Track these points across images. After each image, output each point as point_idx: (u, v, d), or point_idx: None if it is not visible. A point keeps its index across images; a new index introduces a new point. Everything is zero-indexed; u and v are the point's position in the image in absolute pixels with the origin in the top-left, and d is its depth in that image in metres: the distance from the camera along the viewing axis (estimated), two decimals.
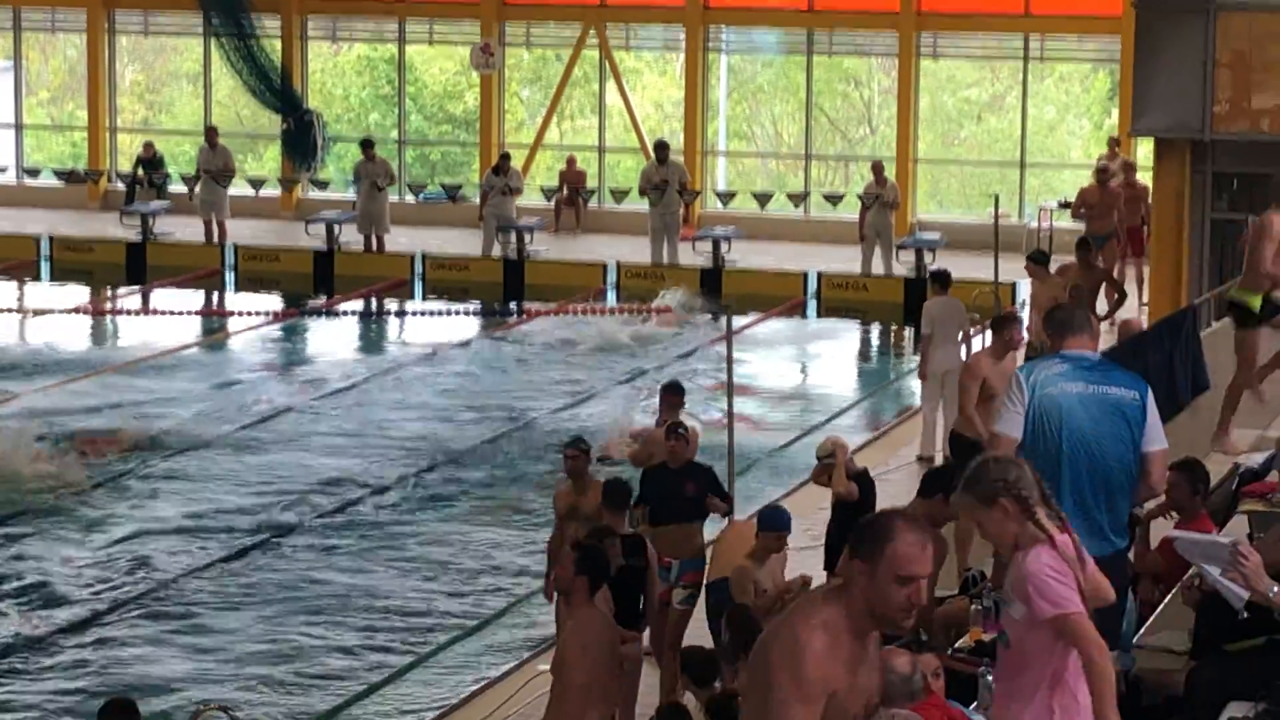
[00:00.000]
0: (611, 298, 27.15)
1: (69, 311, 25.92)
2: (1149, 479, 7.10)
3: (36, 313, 25.45)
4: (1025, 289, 22.69)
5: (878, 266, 27.47)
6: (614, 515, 11.92)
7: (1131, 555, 8.98)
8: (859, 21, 31.88)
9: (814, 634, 5.05)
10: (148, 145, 33.27)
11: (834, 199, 31.10)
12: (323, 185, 33.05)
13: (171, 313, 25.11)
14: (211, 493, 17.96)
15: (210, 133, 30.97)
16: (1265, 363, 11.91)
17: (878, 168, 28.24)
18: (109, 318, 26.96)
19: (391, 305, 27.98)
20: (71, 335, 25.05)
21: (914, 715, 6.82)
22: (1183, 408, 13.98)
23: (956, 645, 9.43)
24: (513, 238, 28.67)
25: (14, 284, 28.54)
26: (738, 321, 20.64)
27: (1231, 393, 11.75)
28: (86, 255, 29.53)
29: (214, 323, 26.22)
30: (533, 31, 33.77)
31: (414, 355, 24.08)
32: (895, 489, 16.72)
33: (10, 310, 25.90)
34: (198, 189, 30.29)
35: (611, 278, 27.87)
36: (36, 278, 29.13)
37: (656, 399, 15.70)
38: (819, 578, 12.17)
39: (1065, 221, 28.91)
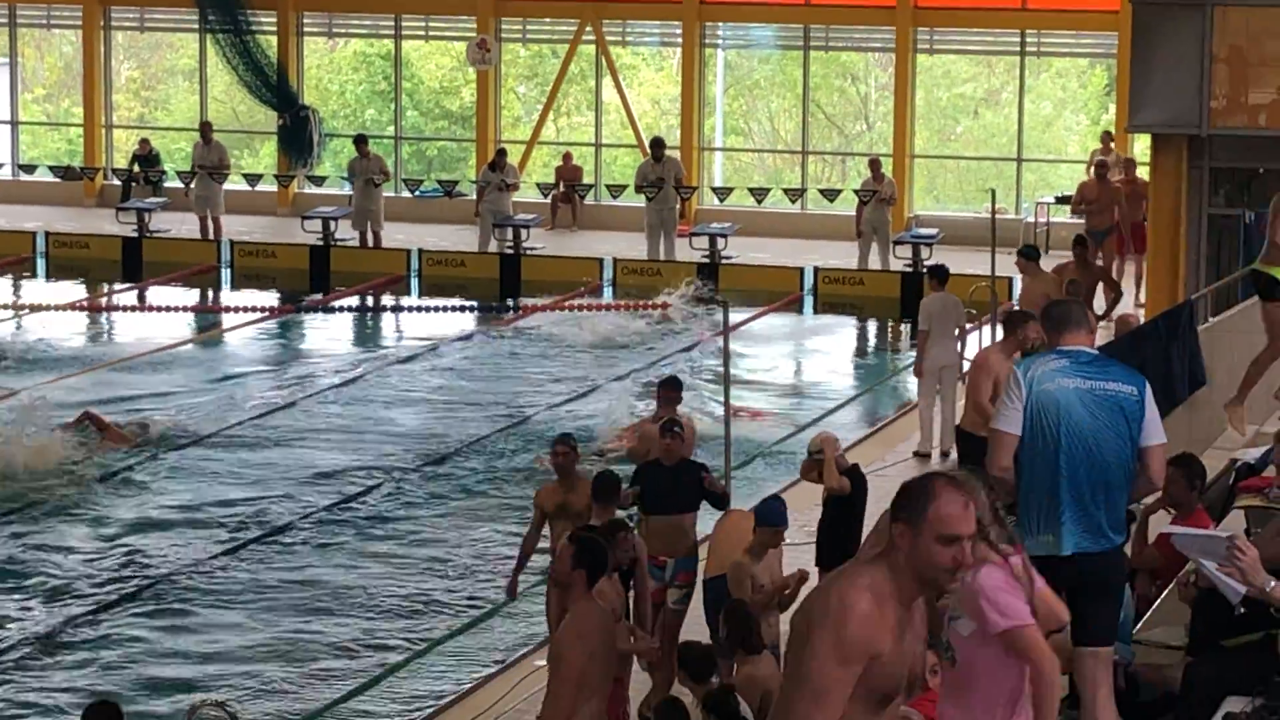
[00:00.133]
0: (608, 293, 27.14)
1: (65, 308, 25.89)
2: (1149, 473, 7.09)
3: (33, 309, 25.41)
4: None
5: (874, 262, 27.47)
6: (603, 508, 11.90)
7: (1129, 550, 8.97)
8: (855, 17, 31.87)
9: (860, 596, 5.01)
10: (143, 142, 33.26)
11: (831, 194, 31.10)
12: (319, 181, 33.04)
13: (167, 309, 25.09)
14: (209, 488, 17.95)
15: (205, 128, 30.96)
16: None
17: (875, 164, 28.24)
18: (105, 314, 26.94)
19: (388, 301, 27.97)
20: (68, 331, 25.02)
21: (913, 711, 6.82)
22: (1179, 403, 13.98)
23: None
24: (509, 233, 28.66)
25: (10, 280, 28.52)
26: (735, 317, 20.64)
27: (1258, 364, 11.65)
28: (82, 251, 29.52)
29: (210, 319, 26.20)
30: (529, 27, 33.76)
31: (410, 351, 24.07)
32: (892, 485, 16.71)
33: (6, 307, 25.87)
34: (193, 185, 30.28)
35: (608, 274, 27.86)
36: (33, 274, 29.11)
37: (654, 394, 15.67)
38: (813, 573, 12.16)
39: (1061, 217, 28.93)
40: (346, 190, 30.26)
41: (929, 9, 31.03)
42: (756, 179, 33.61)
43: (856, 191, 28.32)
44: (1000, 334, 15.27)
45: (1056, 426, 6.93)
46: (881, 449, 18.41)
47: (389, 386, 22.11)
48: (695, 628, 12.29)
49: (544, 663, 11.40)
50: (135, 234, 29.52)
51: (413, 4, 33.41)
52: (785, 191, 31.72)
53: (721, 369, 16.50)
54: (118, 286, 28.47)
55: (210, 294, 28.19)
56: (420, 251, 28.76)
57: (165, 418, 20.01)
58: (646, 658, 11.46)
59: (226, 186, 30.55)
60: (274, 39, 33.16)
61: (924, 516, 5.03)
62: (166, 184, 32.40)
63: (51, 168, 34.35)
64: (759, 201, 31.13)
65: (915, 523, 5.04)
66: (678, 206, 28.92)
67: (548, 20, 33.41)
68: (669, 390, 14.49)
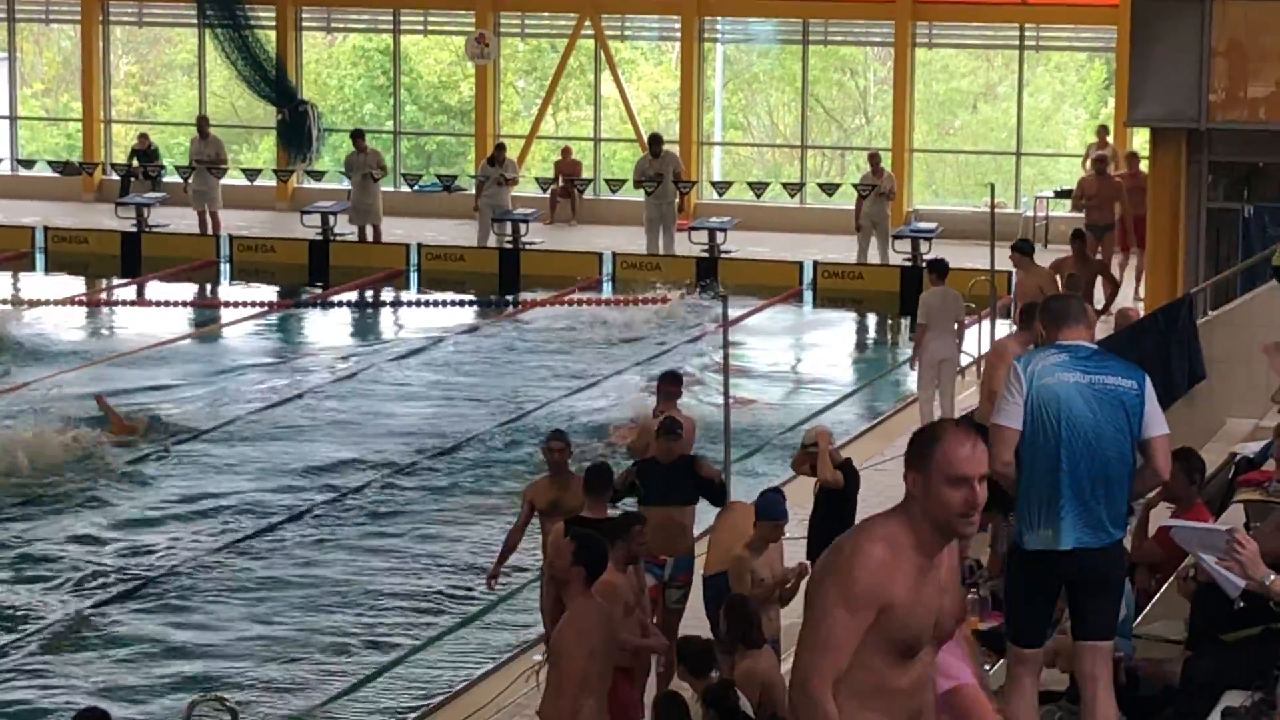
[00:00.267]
0: (608, 288, 27.15)
1: (64, 303, 25.88)
2: (1154, 464, 7.08)
3: (32, 304, 25.40)
4: None
5: (874, 256, 27.47)
6: (596, 500, 11.86)
7: (1128, 544, 8.98)
8: (854, 11, 31.87)
9: (873, 545, 5.03)
10: (142, 137, 33.25)
11: (830, 189, 31.10)
12: (318, 176, 33.03)
13: (166, 304, 25.09)
14: (208, 483, 17.95)
15: (201, 123, 30.95)
16: None
17: (874, 158, 28.24)
18: (104, 309, 26.93)
19: (387, 296, 27.96)
20: (67, 327, 25.01)
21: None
22: (1179, 397, 13.99)
23: None
24: (508, 228, 28.66)
25: (9, 275, 28.52)
26: (734, 311, 20.63)
27: None
28: (81, 247, 29.52)
29: (209, 314, 26.20)
30: (528, 22, 33.74)
31: (410, 346, 24.06)
32: (892, 479, 16.72)
33: (6, 302, 25.86)
34: (191, 180, 30.27)
35: (607, 268, 27.86)
36: (31, 269, 29.11)
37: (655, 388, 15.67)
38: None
39: (1060, 211, 28.94)
40: (345, 185, 30.25)
41: (928, 3, 31.02)
42: (755, 173, 33.61)
43: (856, 186, 28.32)
44: (1012, 326, 15.27)
45: (1057, 421, 6.93)
46: (881, 443, 18.40)
47: (388, 381, 22.11)
48: (693, 623, 12.29)
49: (542, 658, 11.42)
50: (134, 229, 29.51)
51: None
52: (784, 186, 31.71)
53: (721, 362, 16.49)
54: (117, 281, 28.46)
55: (209, 289, 28.19)
56: (419, 246, 28.76)
57: (167, 410, 20.04)
58: (658, 654, 11.44)
59: (225, 181, 30.55)
60: (272, 34, 33.14)
61: (932, 460, 5.04)
62: (165, 179, 32.39)
63: (50, 163, 34.34)
64: (758, 196, 31.12)
65: (924, 468, 5.06)
66: (677, 201, 28.92)
67: (546, 15, 33.40)
68: (669, 385, 14.48)
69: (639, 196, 28.93)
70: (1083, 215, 24.68)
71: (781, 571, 11.76)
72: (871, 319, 26.87)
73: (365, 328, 26.28)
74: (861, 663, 5.05)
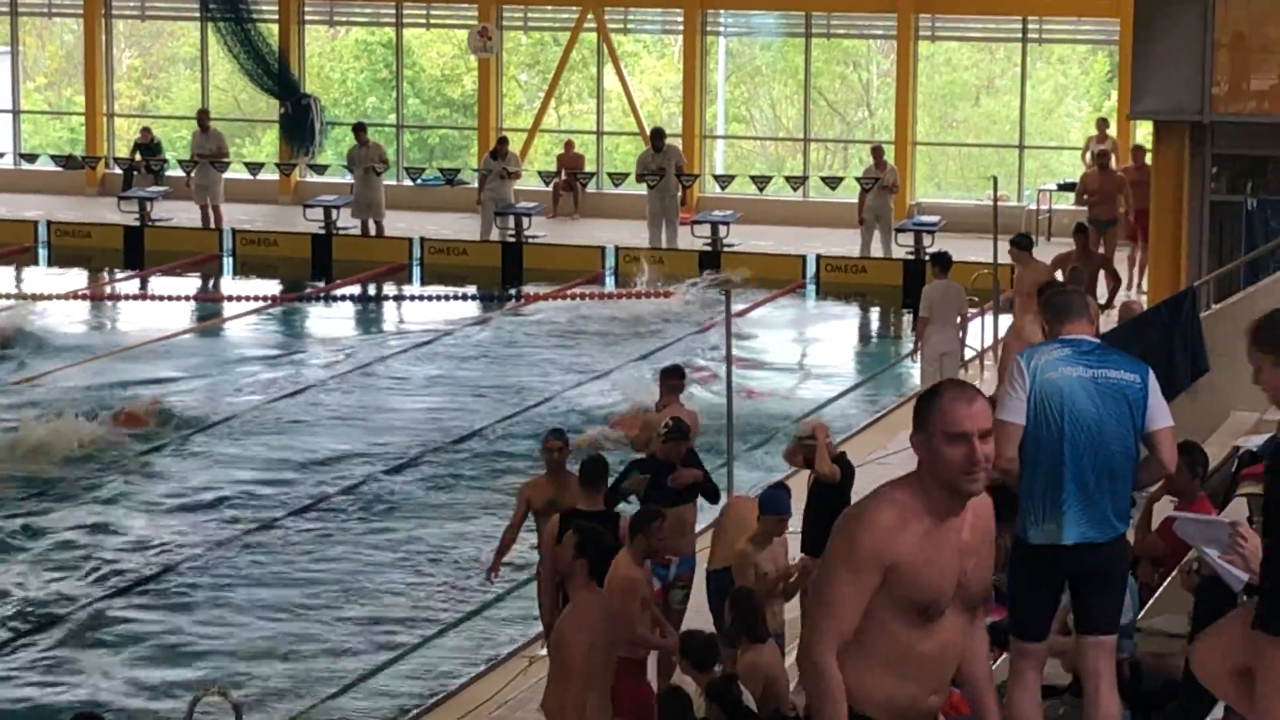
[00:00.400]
0: (610, 282, 27.16)
1: (67, 297, 25.89)
2: (1160, 456, 7.08)
3: (35, 298, 25.41)
4: None
5: (877, 249, 27.46)
6: (592, 493, 11.84)
7: (1131, 538, 8.98)
8: (857, 4, 31.85)
9: (880, 508, 5.07)
10: (145, 130, 33.24)
11: (833, 182, 31.08)
12: (321, 170, 33.02)
13: (169, 298, 25.10)
14: (210, 477, 17.96)
15: (202, 116, 30.95)
16: None
17: (877, 151, 28.24)
18: (107, 303, 26.93)
19: (390, 289, 27.97)
20: (69, 321, 25.02)
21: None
22: (1182, 390, 13.97)
23: None
24: (511, 222, 28.66)
25: (12, 269, 28.52)
26: (737, 305, 20.63)
27: None
28: (84, 240, 29.53)
29: (212, 308, 26.21)
30: (530, 15, 33.73)
31: (412, 340, 24.07)
32: (894, 472, 16.70)
33: (9, 296, 25.86)
34: (193, 174, 30.27)
35: (610, 262, 27.86)
36: (34, 263, 29.11)
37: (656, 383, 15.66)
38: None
39: (1063, 204, 28.92)
40: (348, 179, 30.25)
41: None
42: (758, 166, 33.59)
43: (858, 179, 28.31)
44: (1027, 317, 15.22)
45: (1060, 416, 6.92)
46: (884, 436, 18.40)
47: (390, 375, 22.12)
48: (695, 618, 12.29)
49: (544, 653, 11.42)
50: (137, 223, 29.52)
51: None
52: (787, 179, 31.70)
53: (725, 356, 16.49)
54: (119, 275, 28.48)
55: (212, 283, 28.20)
56: (422, 240, 28.76)
57: (169, 404, 20.06)
58: (667, 652, 11.41)
59: (228, 175, 30.54)
60: (275, 27, 33.13)
61: (931, 419, 5.08)
62: (168, 173, 32.39)
63: (53, 156, 34.33)
64: (761, 189, 31.11)
65: (926, 428, 5.09)
66: (679, 194, 28.91)
67: (549, 8, 33.39)
68: (671, 378, 14.48)
69: (642, 190, 28.93)
70: (1086, 210, 24.68)
71: (786, 565, 11.76)
72: (874, 313, 26.86)
73: (368, 322, 26.28)
74: (882, 628, 5.07)
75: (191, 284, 27.66)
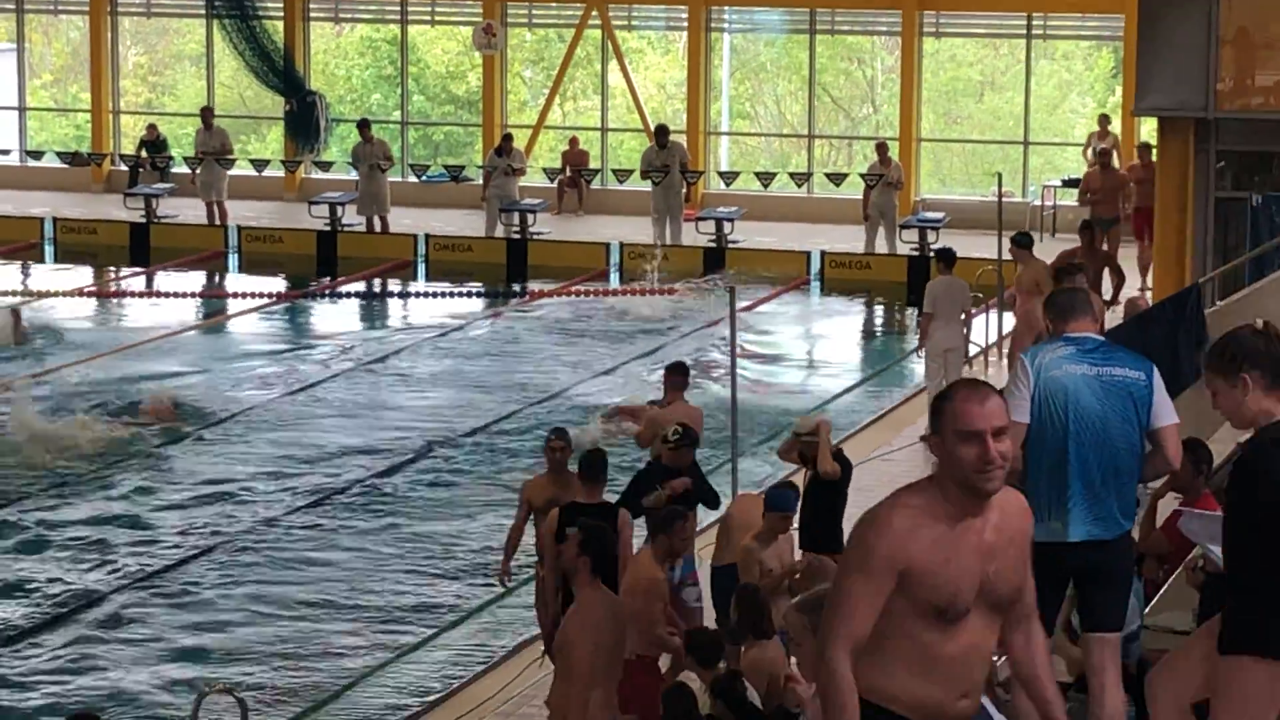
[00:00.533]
0: (615, 278, 27.17)
1: (73, 293, 25.91)
2: (1165, 453, 7.09)
3: (41, 294, 25.43)
4: None
5: (881, 246, 27.47)
6: (591, 486, 11.83)
7: (1136, 535, 8.99)
8: (861, 0, 31.83)
9: (896, 511, 5.04)
10: (151, 127, 33.27)
11: (837, 178, 31.09)
12: (326, 166, 33.04)
13: (175, 294, 25.13)
14: (217, 473, 17.98)
15: (205, 113, 30.97)
16: None
17: (882, 147, 28.24)
18: (113, 299, 26.96)
19: (395, 286, 27.98)
20: (75, 318, 25.04)
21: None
22: (1186, 387, 13.96)
23: None
24: (515, 218, 28.68)
25: (18, 266, 28.55)
26: (741, 301, 20.64)
27: None
28: (90, 237, 29.54)
29: (217, 304, 26.23)
30: (535, 12, 33.74)
31: (417, 336, 24.09)
32: (897, 469, 16.73)
33: (15, 292, 25.88)
34: (198, 170, 30.29)
35: (614, 258, 27.87)
36: (41, 260, 29.14)
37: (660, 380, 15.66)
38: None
39: (1068, 200, 28.92)
40: (353, 176, 30.28)
41: None
42: (763, 163, 33.60)
43: (863, 175, 28.31)
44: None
45: (1065, 413, 6.93)
46: (889, 433, 18.42)
47: (395, 372, 22.14)
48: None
49: (541, 652, 11.43)
50: (143, 219, 29.54)
51: None
52: (791, 175, 31.70)
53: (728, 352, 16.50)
54: (125, 272, 28.50)
55: (217, 279, 28.22)
56: (427, 236, 28.77)
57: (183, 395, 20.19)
58: (673, 653, 11.41)
59: (233, 172, 30.56)
60: (280, 24, 33.14)
61: (944, 419, 5.05)
62: (174, 169, 32.42)
63: (59, 153, 34.36)
64: (765, 185, 31.11)
65: (940, 428, 5.06)
66: (683, 191, 28.92)
67: (554, 4, 33.39)
68: (675, 375, 14.47)
69: (646, 186, 28.94)
70: (1089, 209, 24.68)
71: (790, 562, 11.77)
72: (879, 309, 26.87)
73: (372, 318, 26.30)
74: (902, 630, 5.04)
75: (197, 281, 27.68)
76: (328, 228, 28.84)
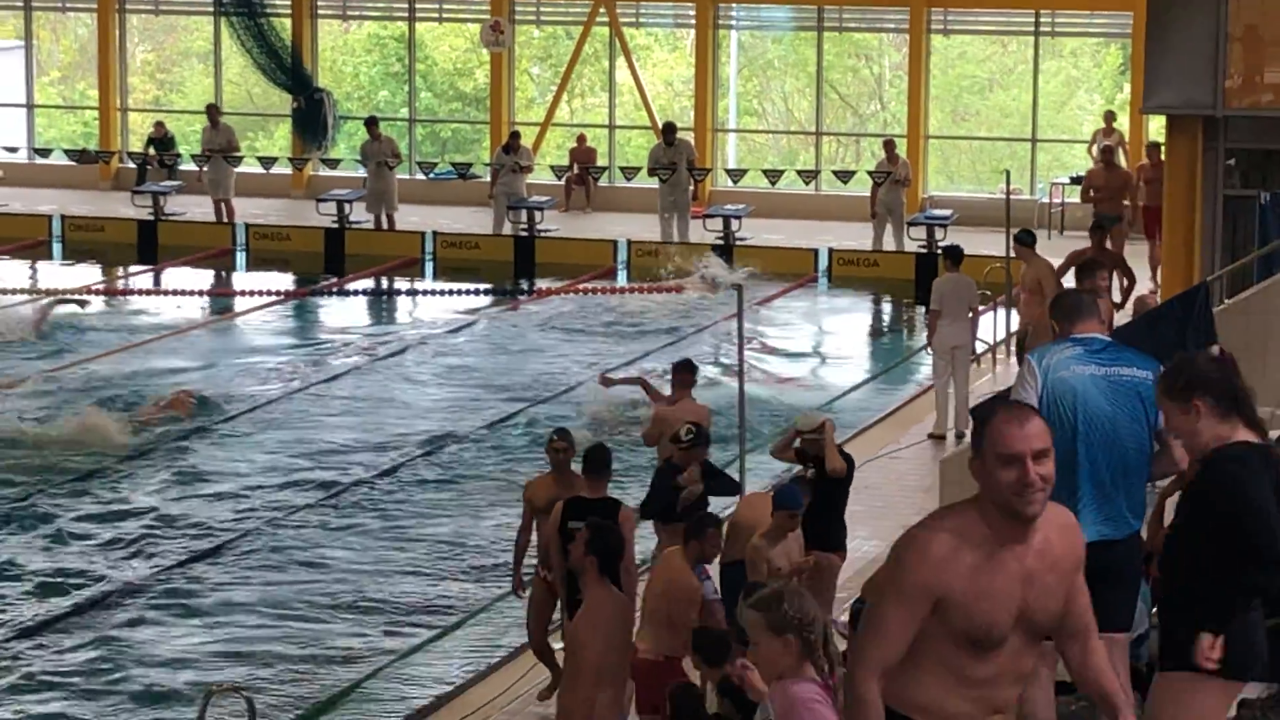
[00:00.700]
0: (623, 276, 27.16)
1: (81, 291, 25.92)
2: (1173, 452, 7.09)
3: (48, 293, 25.45)
4: None
5: (889, 243, 27.45)
6: (595, 480, 11.81)
7: (1144, 533, 8.98)
8: None
9: (933, 537, 4.94)
10: (159, 125, 33.29)
11: (845, 175, 31.07)
12: (333, 164, 33.06)
13: (183, 292, 25.13)
14: (221, 472, 17.98)
15: (212, 111, 30.97)
16: None
17: (889, 145, 28.23)
18: (120, 297, 26.97)
19: (402, 284, 27.99)
20: (83, 315, 25.05)
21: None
22: None
23: None
24: (523, 216, 28.68)
25: (26, 263, 28.57)
26: (748, 299, 20.63)
27: None
28: (98, 235, 29.57)
29: (225, 302, 26.24)
30: (543, 8, 33.74)
31: (425, 333, 24.09)
32: (906, 466, 16.75)
33: (23, 290, 25.90)
34: (205, 168, 30.31)
35: (622, 255, 27.87)
36: (49, 257, 29.16)
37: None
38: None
39: (1076, 197, 28.90)
40: (361, 173, 30.29)
41: None
42: (770, 160, 33.59)
43: (871, 173, 28.31)
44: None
45: (1073, 413, 6.93)
46: (896, 431, 18.40)
47: (402, 369, 22.13)
48: None
49: (559, 647, 11.43)
50: (151, 217, 29.56)
51: None
52: (799, 173, 31.70)
53: (735, 350, 16.49)
54: (133, 270, 28.51)
55: (225, 277, 28.23)
56: (434, 234, 28.78)
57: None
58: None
59: (241, 170, 30.57)
60: (288, 21, 33.16)
61: (984, 441, 4.96)
62: (182, 167, 32.43)
63: (67, 151, 34.39)
64: (773, 183, 31.11)
65: (980, 450, 4.97)
66: (691, 189, 28.92)
67: (561, 1, 33.39)
68: (683, 373, 14.44)
69: (654, 184, 28.94)
70: (1091, 207, 24.67)
71: (798, 560, 11.76)
72: (887, 306, 26.85)
73: (380, 315, 26.30)
74: (936, 653, 4.97)
75: (205, 278, 27.69)
76: (335, 225, 28.85)
